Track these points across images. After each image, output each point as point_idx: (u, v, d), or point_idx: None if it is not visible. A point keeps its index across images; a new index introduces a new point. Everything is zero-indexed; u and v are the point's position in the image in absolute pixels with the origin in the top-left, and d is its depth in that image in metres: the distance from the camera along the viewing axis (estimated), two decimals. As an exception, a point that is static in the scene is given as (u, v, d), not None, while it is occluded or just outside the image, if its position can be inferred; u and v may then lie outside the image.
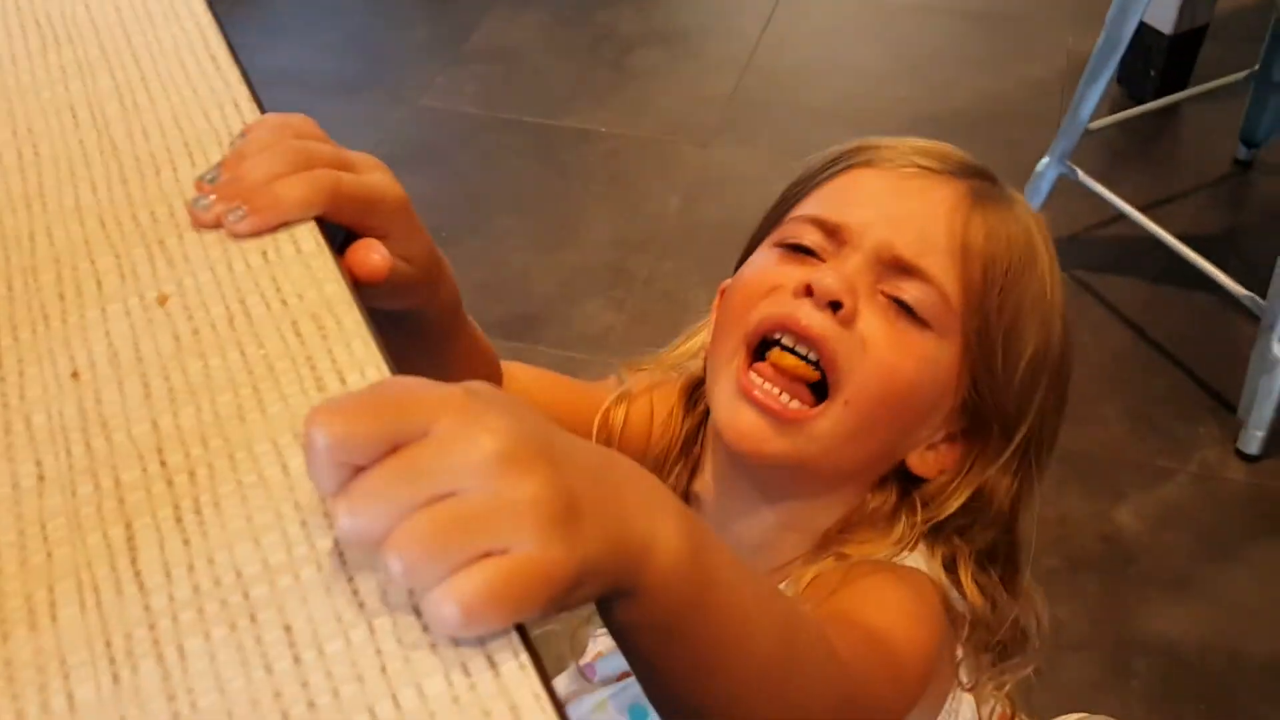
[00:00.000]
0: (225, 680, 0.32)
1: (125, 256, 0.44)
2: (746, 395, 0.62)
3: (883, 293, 0.62)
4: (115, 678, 0.32)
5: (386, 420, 0.32)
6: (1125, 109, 2.09)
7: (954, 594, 0.65)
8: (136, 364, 0.41)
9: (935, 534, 0.67)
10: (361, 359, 0.41)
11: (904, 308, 0.62)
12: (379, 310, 0.46)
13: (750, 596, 0.42)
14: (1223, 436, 1.61)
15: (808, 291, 0.62)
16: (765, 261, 0.67)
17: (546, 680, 0.32)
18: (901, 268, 0.62)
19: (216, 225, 0.45)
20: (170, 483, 0.37)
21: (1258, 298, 1.57)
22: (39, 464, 0.38)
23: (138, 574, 0.34)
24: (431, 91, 2.30)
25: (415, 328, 0.56)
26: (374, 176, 0.49)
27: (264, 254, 0.44)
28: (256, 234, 0.45)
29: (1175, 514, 1.52)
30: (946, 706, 0.70)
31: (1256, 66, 1.98)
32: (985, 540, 0.67)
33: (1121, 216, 1.81)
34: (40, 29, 0.57)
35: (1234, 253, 1.85)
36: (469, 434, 0.32)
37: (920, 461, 0.67)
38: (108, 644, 0.33)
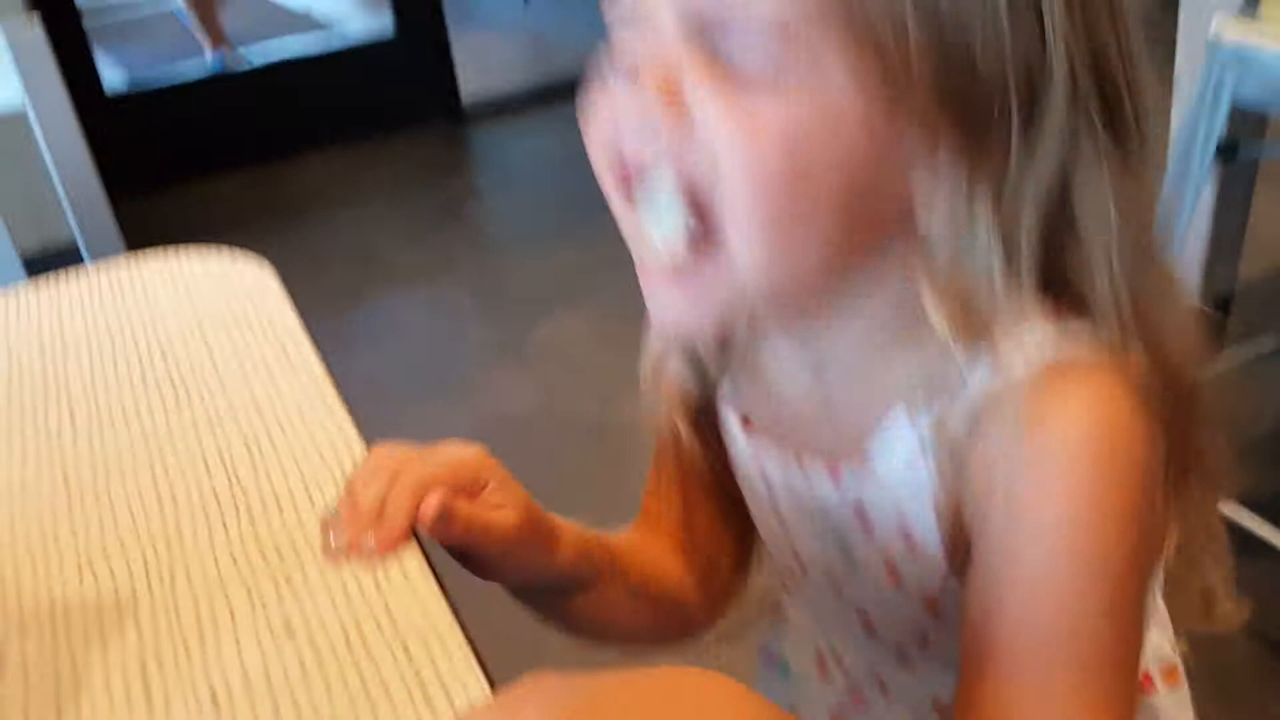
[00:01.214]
0: None
1: (255, 590, 0.50)
2: (647, 278, 0.51)
3: (708, 66, 0.47)
4: None
5: None
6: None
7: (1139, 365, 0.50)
8: (268, 689, 0.46)
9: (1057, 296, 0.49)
10: (463, 674, 0.45)
11: (736, 75, 0.47)
12: (525, 589, 0.52)
13: None
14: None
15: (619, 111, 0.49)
16: (596, 96, 0.52)
17: None
18: (713, 20, 0.47)
19: (347, 554, 0.51)
20: (299, 800, 0.41)
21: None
22: (182, 785, 0.42)
23: None
24: (491, 393, 2.43)
25: (559, 588, 0.59)
26: (464, 461, 0.54)
27: (375, 581, 0.50)
28: (383, 554, 0.50)
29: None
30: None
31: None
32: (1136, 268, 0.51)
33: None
34: (174, 386, 0.66)
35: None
36: None
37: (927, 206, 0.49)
38: None
